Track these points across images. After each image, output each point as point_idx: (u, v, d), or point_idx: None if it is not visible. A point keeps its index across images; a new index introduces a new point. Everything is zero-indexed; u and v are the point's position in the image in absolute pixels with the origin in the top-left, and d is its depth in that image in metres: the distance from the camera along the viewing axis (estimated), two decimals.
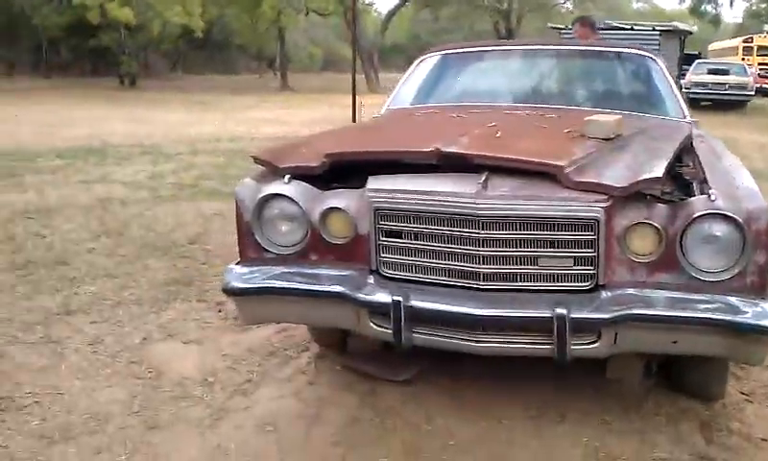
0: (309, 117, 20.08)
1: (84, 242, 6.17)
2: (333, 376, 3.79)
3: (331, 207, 3.00)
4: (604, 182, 2.75)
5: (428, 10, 48.42)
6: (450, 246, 2.85)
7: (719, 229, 2.71)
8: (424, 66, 5.10)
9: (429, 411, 3.40)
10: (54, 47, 41.61)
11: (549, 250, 2.80)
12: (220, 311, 4.71)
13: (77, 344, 4.16)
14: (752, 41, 34.52)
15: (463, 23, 59.34)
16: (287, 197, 3.04)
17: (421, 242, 2.91)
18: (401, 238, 2.94)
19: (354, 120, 13.73)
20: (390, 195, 2.91)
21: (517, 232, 2.79)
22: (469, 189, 2.79)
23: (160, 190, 8.62)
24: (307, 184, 3.08)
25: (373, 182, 2.96)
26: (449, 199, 2.81)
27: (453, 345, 2.86)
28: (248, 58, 57.93)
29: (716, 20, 43.27)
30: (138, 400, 3.58)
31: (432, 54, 5.17)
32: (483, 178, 2.82)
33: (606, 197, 2.75)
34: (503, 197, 2.76)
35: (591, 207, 2.74)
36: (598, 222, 2.75)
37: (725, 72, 23.78)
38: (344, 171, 3.12)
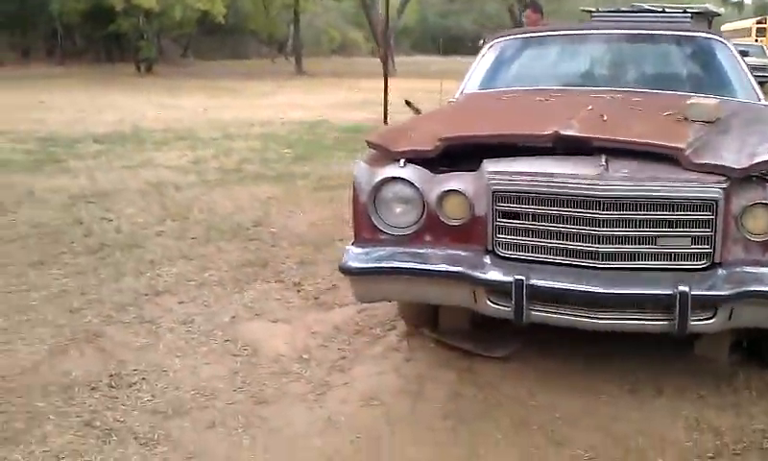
0: (331, 101, 20.18)
1: (150, 226, 6.28)
2: (428, 353, 3.89)
3: (449, 190, 3.10)
4: (723, 164, 2.85)
5: None
6: (570, 226, 2.95)
7: None
8: (495, 51, 5.17)
9: (530, 387, 3.50)
10: (68, 34, 41.63)
11: (668, 230, 2.90)
12: (299, 291, 4.82)
13: (170, 323, 4.27)
14: (765, 22, 34.36)
15: (474, 5, 59.12)
16: (405, 180, 3.13)
17: (540, 223, 3.00)
18: (519, 219, 3.03)
19: (386, 104, 13.78)
20: (510, 177, 3.00)
21: (637, 213, 2.89)
22: (591, 171, 2.89)
23: (207, 174, 8.73)
24: (422, 168, 3.17)
25: (491, 165, 3.05)
26: (571, 181, 2.90)
27: (571, 321, 2.97)
28: (258, 42, 57.87)
29: (740, 2, 43.15)
30: (240, 377, 3.69)
31: (503, 38, 5.24)
32: (603, 160, 2.90)
33: (724, 178, 2.84)
34: (625, 178, 2.86)
35: (711, 188, 2.84)
36: (717, 202, 2.84)
37: (744, 53, 23.73)
38: (455, 154, 3.21)
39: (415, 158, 3.20)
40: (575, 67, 4.90)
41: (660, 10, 6.05)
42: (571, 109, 3.57)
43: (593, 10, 6.26)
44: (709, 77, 4.68)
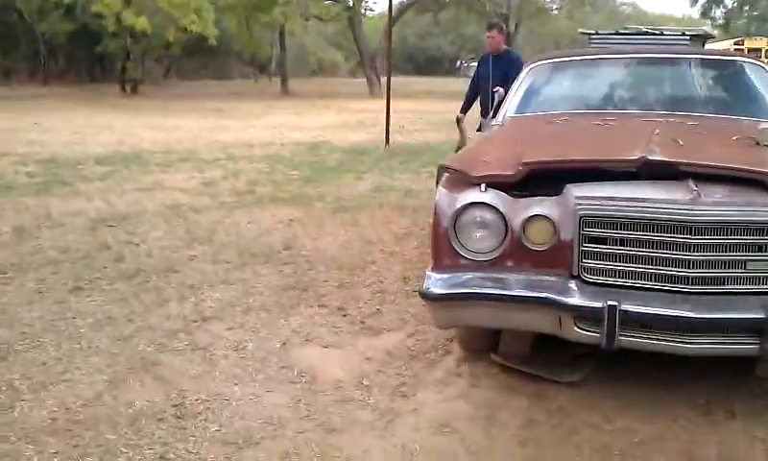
0: (325, 122, 20.18)
1: (179, 249, 6.22)
2: (492, 378, 3.86)
3: (535, 215, 3.09)
4: None
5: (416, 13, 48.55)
6: (661, 251, 2.95)
7: None
8: (533, 75, 5.20)
9: (604, 412, 3.49)
10: (51, 54, 41.37)
11: (758, 254, 2.91)
12: (345, 316, 4.78)
13: (223, 350, 4.22)
14: (742, 44, 35.00)
15: (450, 27, 59.65)
16: (489, 205, 3.12)
17: (629, 248, 3.01)
18: (606, 244, 3.03)
19: (387, 124, 13.81)
20: (598, 202, 3.00)
21: (729, 237, 2.90)
22: (684, 196, 2.90)
23: (221, 196, 8.67)
24: (503, 193, 3.16)
25: (578, 190, 3.05)
26: (665, 206, 2.91)
27: (662, 346, 2.96)
28: (240, 63, 57.84)
29: (726, 24, 43.91)
30: (304, 404, 3.65)
31: (543, 62, 5.27)
32: (693, 185, 2.91)
33: None
34: (719, 204, 2.87)
35: None
36: None
37: None
38: (533, 179, 3.21)
39: (494, 183, 3.19)
40: (620, 91, 4.93)
41: (659, 32, 6.11)
42: (637, 133, 3.59)
43: (593, 32, 6.30)
44: (754, 100, 4.72)
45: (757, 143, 3.39)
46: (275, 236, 6.72)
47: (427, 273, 3.21)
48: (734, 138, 3.52)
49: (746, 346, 2.91)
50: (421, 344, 4.35)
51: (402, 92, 31.47)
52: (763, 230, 2.89)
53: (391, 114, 14.03)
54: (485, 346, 3.95)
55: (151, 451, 3.20)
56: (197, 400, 3.68)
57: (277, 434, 3.41)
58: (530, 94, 5.02)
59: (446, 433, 3.39)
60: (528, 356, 3.83)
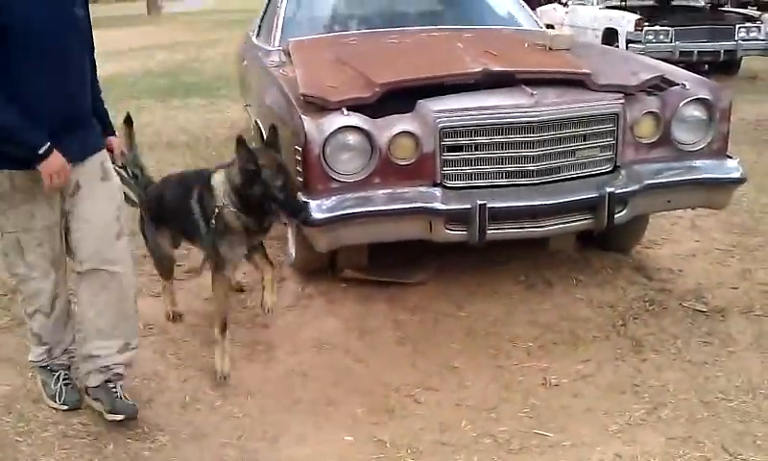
0: None
1: None
2: (345, 293, 4.00)
3: (400, 132, 3.31)
4: (622, 83, 3.46)
5: None
6: (510, 151, 3.37)
7: (696, 109, 3.57)
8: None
9: (455, 301, 3.90)
10: None
11: (583, 143, 3.45)
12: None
13: None
14: None
15: None
16: (356, 127, 3.27)
17: (482, 152, 3.37)
18: (464, 151, 3.37)
19: None
20: (455, 114, 3.31)
21: (562, 132, 3.39)
22: (526, 100, 3.32)
23: None
24: (364, 115, 3.33)
25: (436, 105, 3.33)
26: (511, 110, 3.31)
27: (521, 233, 3.41)
28: None
29: None
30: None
31: None
32: (530, 90, 3.35)
33: (622, 95, 3.46)
34: (554, 103, 3.34)
35: (614, 104, 3.44)
36: (618, 115, 3.45)
37: None
38: (386, 99, 3.42)
39: (353, 106, 3.34)
40: (379, 9, 5.18)
41: None
42: (448, 48, 3.92)
43: None
44: (507, 10, 5.28)
45: (550, 48, 3.91)
46: None
47: (303, 200, 3.28)
48: (526, 45, 4.02)
49: (584, 221, 3.47)
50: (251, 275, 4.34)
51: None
52: (587, 122, 3.43)
53: None
54: (322, 265, 4.11)
55: None
56: None
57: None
58: (296, 18, 5.06)
59: (327, 350, 3.55)
60: (370, 266, 4.06)
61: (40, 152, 2.59)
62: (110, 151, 3.05)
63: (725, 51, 10.30)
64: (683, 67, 4.20)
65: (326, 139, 3.26)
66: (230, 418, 3.11)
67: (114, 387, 2.94)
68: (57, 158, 2.63)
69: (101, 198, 2.85)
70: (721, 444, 2.83)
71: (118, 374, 2.98)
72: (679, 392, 3.17)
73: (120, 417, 2.90)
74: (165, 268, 3.76)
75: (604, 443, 2.85)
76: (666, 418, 3.01)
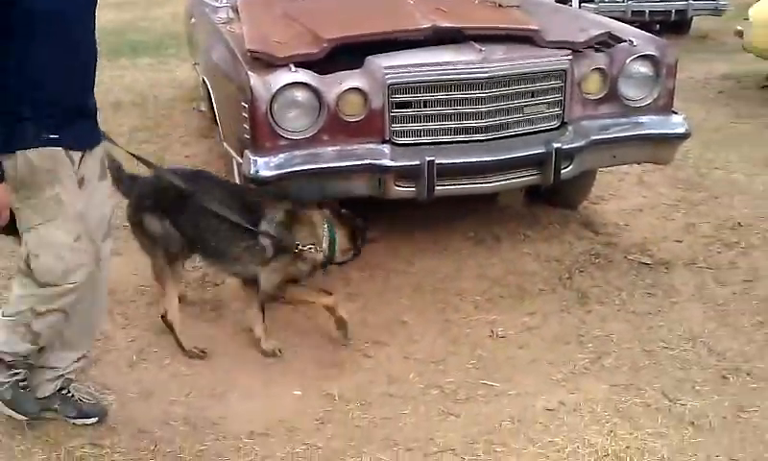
0: None
1: None
2: None
3: (349, 88, 3.30)
4: (570, 40, 3.49)
5: None
6: (459, 108, 3.38)
7: (642, 65, 3.62)
8: None
9: (405, 258, 3.94)
10: None
11: (531, 99, 3.48)
12: None
13: None
14: None
15: None
16: (304, 83, 3.25)
17: (431, 109, 3.39)
18: (412, 108, 3.37)
19: None
20: (404, 70, 3.31)
21: (510, 88, 3.42)
22: (475, 57, 3.33)
23: None
24: (311, 71, 3.31)
25: (385, 61, 3.32)
26: (460, 67, 3.32)
27: (469, 189, 3.45)
28: None
29: None
30: None
31: None
32: (478, 46, 3.36)
33: (570, 51, 3.49)
34: (502, 60, 3.35)
35: (562, 61, 3.48)
36: (566, 72, 3.49)
37: None
38: (333, 55, 3.40)
39: (301, 63, 3.32)
40: None
41: None
42: (399, 4, 3.90)
43: None
44: None
45: (500, 5, 3.92)
46: None
47: (251, 157, 3.26)
48: (477, 2, 4.02)
49: (531, 177, 3.51)
50: None
51: None
52: (534, 78, 3.46)
53: None
54: None
55: None
56: None
57: None
58: None
59: (277, 306, 3.52)
60: None
61: None
62: None
63: (676, 11, 10.40)
64: (635, 26, 4.24)
65: (274, 96, 3.24)
66: (178, 376, 3.12)
67: (69, 392, 2.76)
68: (3, 190, 2.32)
69: (98, 196, 2.61)
70: (662, 390, 2.92)
71: (69, 378, 2.78)
72: (622, 341, 3.26)
73: (92, 420, 2.76)
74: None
75: (548, 391, 2.92)
76: (609, 366, 3.10)
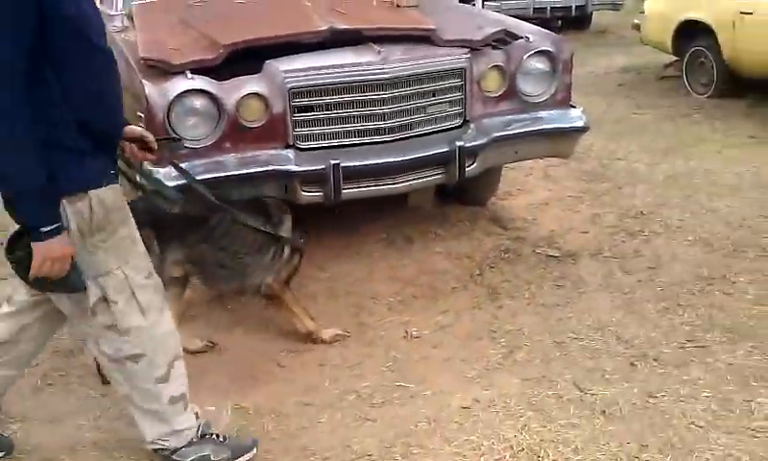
0: None
1: None
2: None
3: (248, 93, 3.23)
4: (468, 38, 3.51)
5: None
6: (359, 109, 3.36)
7: (539, 61, 3.68)
8: None
9: (318, 263, 3.89)
10: None
11: (433, 99, 3.49)
12: None
13: None
14: None
15: None
16: (201, 90, 3.18)
17: (333, 112, 3.35)
18: (314, 111, 3.33)
19: None
20: (304, 73, 3.27)
21: (412, 88, 3.41)
22: (374, 58, 3.31)
23: None
24: (209, 77, 3.24)
25: (284, 64, 3.27)
26: (360, 69, 3.30)
27: (376, 191, 3.43)
28: None
29: None
30: None
31: None
32: (377, 47, 3.35)
33: (468, 50, 3.51)
34: (402, 60, 3.35)
35: (460, 59, 3.50)
36: (465, 70, 3.51)
37: None
38: (231, 61, 3.34)
39: (198, 69, 3.24)
40: None
41: None
42: (294, 6, 3.85)
43: None
44: None
45: (398, 5, 3.92)
46: None
47: (150, 169, 3.15)
48: (375, 3, 4.00)
49: (437, 176, 3.51)
50: None
51: None
52: (434, 78, 3.46)
53: None
54: None
55: None
56: None
57: None
58: None
59: (189, 321, 3.43)
60: None
61: (45, 229, 2.03)
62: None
63: (576, 7, 10.71)
64: (537, 23, 4.30)
65: (170, 104, 3.15)
66: (87, 398, 3.00)
67: None
68: (62, 242, 2.07)
69: None
70: (573, 381, 2.96)
71: None
72: (533, 334, 3.30)
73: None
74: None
75: (463, 389, 2.93)
76: (521, 360, 3.13)
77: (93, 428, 2.82)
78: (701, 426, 2.66)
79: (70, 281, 2.14)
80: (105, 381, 2.92)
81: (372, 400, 2.92)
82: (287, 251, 3.19)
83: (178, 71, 3.21)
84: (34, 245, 2.03)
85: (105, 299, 2.21)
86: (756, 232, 4.14)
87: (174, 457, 2.46)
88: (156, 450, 2.47)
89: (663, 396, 2.84)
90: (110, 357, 2.33)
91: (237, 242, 3.10)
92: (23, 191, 2.00)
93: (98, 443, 2.72)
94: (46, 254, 2.03)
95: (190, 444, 2.46)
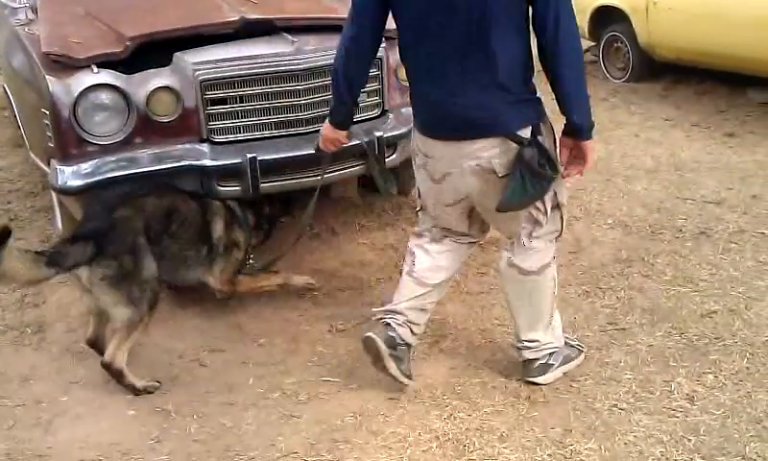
0: None
1: None
2: None
3: (158, 87, 3.13)
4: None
5: None
6: (275, 101, 3.29)
7: None
8: None
9: None
10: None
11: None
12: None
13: None
14: None
15: None
16: (108, 85, 3.06)
17: (248, 104, 3.27)
18: (228, 104, 3.25)
19: None
20: (215, 65, 3.17)
21: (325, 79, 3.33)
22: (287, 49, 3.24)
23: None
24: (117, 71, 3.13)
25: (193, 56, 3.17)
26: (273, 59, 3.22)
27: (296, 184, 3.36)
28: None
29: None
30: None
31: None
32: (291, 37, 3.28)
33: (384, 39, 3.45)
34: (316, 50, 3.29)
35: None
36: (381, 60, 3.46)
37: None
38: (139, 53, 3.23)
39: (104, 63, 3.12)
40: None
41: None
42: None
43: None
44: None
45: None
46: None
47: (57, 167, 3.04)
48: None
49: (357, 167, 3.47)
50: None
51: None
52: None
53: None
54: None
55: None
56: None
57: None
58: None
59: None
60: None
61: None
62: None
63: None
64: None
65: (76, 100, 3.03)
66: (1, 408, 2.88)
67: None
68: None
69: None
70: (498, 368, 2.96)
71: None
72: (458, 323, 3.30)
73: None
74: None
75: (389, 381, 2.89)
76: (447, 349, 3.12)
77: (7, 438, 2.73)
78: (623, 409, 2.70)
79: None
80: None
81: (297, 397, 2.88)
82: (221, 248, 3.23)
83: (83, 65, 3.08)
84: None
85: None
86: (672, 214, 4.23)
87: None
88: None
89: (586, 379, 2.87)
90: None
91: (186, 234, 3.12)
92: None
93: (11, 453, 2.65)
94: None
95: None
